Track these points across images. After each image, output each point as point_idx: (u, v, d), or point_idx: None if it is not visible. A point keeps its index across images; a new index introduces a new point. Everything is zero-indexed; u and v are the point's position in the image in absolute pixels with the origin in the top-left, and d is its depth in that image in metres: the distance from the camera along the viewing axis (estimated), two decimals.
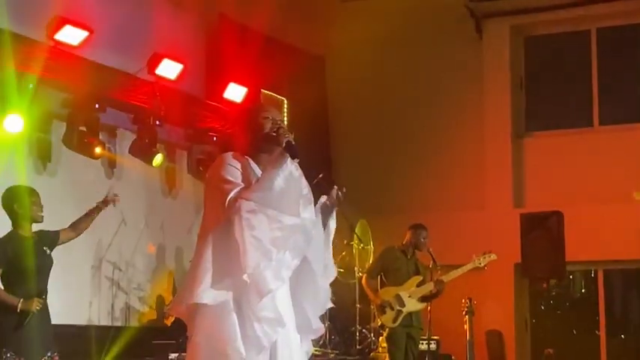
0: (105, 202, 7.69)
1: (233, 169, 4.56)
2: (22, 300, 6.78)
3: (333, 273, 4.84)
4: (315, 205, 4.71)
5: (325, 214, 4.78)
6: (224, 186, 4.51)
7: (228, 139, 11.16)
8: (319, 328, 4.82)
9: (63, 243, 7.41)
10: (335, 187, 4.79)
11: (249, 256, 4.39)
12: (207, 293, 4.42)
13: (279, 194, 4.48)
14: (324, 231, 4.78)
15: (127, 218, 10.63)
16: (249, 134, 4.76)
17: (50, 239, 7.24)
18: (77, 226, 7.52)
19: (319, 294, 4.77)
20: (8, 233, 7.00)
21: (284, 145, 4.58)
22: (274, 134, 4.65)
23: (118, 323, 10.66)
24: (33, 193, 7.09)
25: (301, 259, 4.61)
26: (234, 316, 4.45)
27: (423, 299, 9.99)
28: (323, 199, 4.78)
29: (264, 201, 4.45)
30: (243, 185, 4.52)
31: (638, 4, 13.03)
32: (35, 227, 7.16)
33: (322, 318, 10.87)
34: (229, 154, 4.67)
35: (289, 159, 4.54)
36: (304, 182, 4.66)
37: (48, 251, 7.19)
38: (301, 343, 4.72)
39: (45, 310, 7.04)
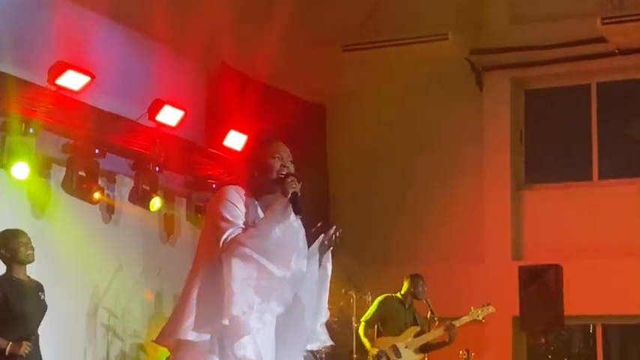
0: None
1: (233, 207, 4.53)
2: (10, 343, 6.79)
3: (325, 314, 4.83)
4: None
5: (321, 252, 4.76)
6: (220, 223, 4.49)
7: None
8: None
9: None
10: (333, 227, 4.78)
11: (233, 302, 4.38)
12: (192, 331, 4.41)
13: (275, 245, 4.46)
14: (319, 270, 4.76)
15: (124, 264, 10.60)
16: (256, 171, 4.73)
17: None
18: None
19: (306, 333, 4.75)
20: (0, 276, 7.03)
21: (289, 196, 4.56)
22: (282, 180, 4.62)
23: None
24: (20, 234, 7.14)
25: (286, 307, 4.58)
26: (216, 358, 4.45)
27: (429, 348, 9.93)
28: (320, 238, 4.76)
29: (258, 249, 4.42)
30: (240, 226, 4.49)
31: (637, 60, 13.09)
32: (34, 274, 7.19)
33: None
34: (232, 189, 4.63)
35: (292, 211, 4.53)
36: (302, 235, 4.65)
37: (42, 297, 7.20)
38: None
39: (36, 354, 7.03)
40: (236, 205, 4.56)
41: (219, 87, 12.22)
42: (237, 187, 4.69)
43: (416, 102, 13.83)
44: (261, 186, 4.69)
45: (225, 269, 4.39)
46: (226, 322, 4.39)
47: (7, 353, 6.81)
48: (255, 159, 4.78)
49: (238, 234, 4.47)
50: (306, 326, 4.73)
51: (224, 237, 4.45)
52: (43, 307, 7.23)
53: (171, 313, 4.59)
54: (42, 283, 7.44)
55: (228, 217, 4.51)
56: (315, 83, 13.86)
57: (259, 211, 4.62)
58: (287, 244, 4.51)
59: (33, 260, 7.18)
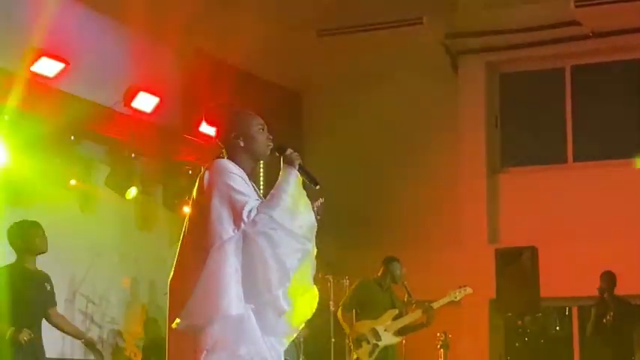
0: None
1: (239, 179, 4.44)
2: (12, 329, 6.82)
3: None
4: None
5: None
6: (236, 196, 4.37)
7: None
8: None
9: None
10: (320, 199, 4.75)
11: (273, 274, 4.35)
12: (235, 305, 4.30)
13: (299, 217, 4.43)
14: None
15: (101, 251, 10.60)
16: (242, 141, 4.61)
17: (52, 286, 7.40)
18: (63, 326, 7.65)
19: None
20: (11, 264, 7.14)
21: (297, 168, 4.54)
22: (282, 152, 4.58)
23: (92, 357, 10.57)
24: (37, 225, 7.23)
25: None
26: (258, 331, 4.40)
27: (407, 330, 9.99)
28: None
29: (287, 222, 4.38)
30: (255, 198, 4.43)
31: (611, 43, 13.17)
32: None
33: (297, 352, 10.82)
34: (228, 162, 4.52)
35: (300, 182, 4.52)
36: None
37: (49, 288, 7.29)
38: None
39: (38, 344, 7.09)
40: (241, 176, 4.47)
41: (195, 73, 12.19)
42: (227, 160, 4.56)
43: (391, 86, 13.85)
44: (248, 156, 4.62)
45: (259, 242, 4.32)
46: (268, 296, 4.36)
47: (7, 337, 6.84)
48: (240, 129, 4.62)
49: (259, 207, 4.39)
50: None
51: (246, 210, 4.35)
52: (46, 297, 7.33)
53: (196, 291, 4.29)
54: None
55: (241, 189, 4.40)
56: (291, 69, 13.84)
57: (248, 181, 4.56)
58: (308, 216, 4.48)
59: (46, 250, 7.30)
